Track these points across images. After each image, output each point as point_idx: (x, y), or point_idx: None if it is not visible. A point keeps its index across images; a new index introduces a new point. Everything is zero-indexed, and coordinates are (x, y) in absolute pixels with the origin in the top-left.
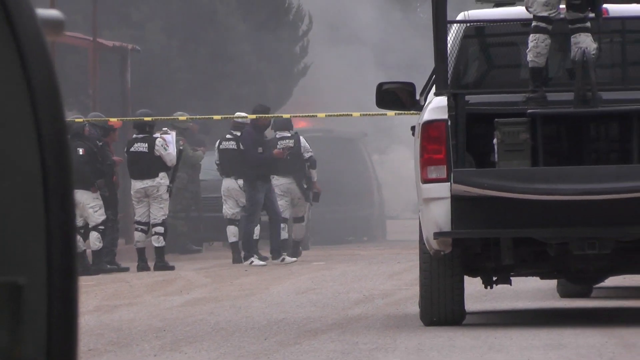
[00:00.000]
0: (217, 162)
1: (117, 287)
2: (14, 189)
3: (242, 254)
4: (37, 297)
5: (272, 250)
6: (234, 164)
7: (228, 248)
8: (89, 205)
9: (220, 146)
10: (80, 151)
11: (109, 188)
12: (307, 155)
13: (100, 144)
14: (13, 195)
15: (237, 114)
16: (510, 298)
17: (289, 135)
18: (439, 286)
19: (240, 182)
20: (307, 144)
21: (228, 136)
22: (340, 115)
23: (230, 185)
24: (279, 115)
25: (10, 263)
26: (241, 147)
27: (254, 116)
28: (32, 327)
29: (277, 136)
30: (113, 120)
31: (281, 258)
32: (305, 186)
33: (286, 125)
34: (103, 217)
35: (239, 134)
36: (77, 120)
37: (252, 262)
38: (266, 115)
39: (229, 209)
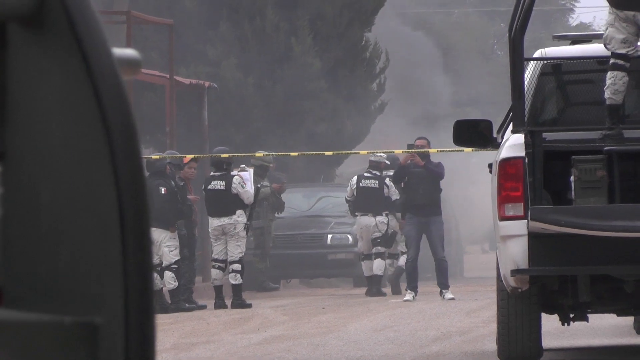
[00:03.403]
0: (349, 198)
1: (194, 324)
2: (91, 228)
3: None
4: (113, 337)
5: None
6: (374, 202)
7: (306, 286)
8: (164, 244)
9: (360, 184)
10: (163, 190)
11: (187, 227)
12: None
13: (182, 183)
14: (89, 235)
15: (374, 153)
16: (587, 335)
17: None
18: (517, 323)
19: (378, 218)
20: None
21: (367, 174)
22: (417, 152)
23: (368, 222)
24: (356, 152)
25: (86, 303)
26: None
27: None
28: None
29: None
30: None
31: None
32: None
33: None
34: (177, 257)
35: (378, 173)
36: (154, 157)
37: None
38: (429, 150)
39: (365, 244)
